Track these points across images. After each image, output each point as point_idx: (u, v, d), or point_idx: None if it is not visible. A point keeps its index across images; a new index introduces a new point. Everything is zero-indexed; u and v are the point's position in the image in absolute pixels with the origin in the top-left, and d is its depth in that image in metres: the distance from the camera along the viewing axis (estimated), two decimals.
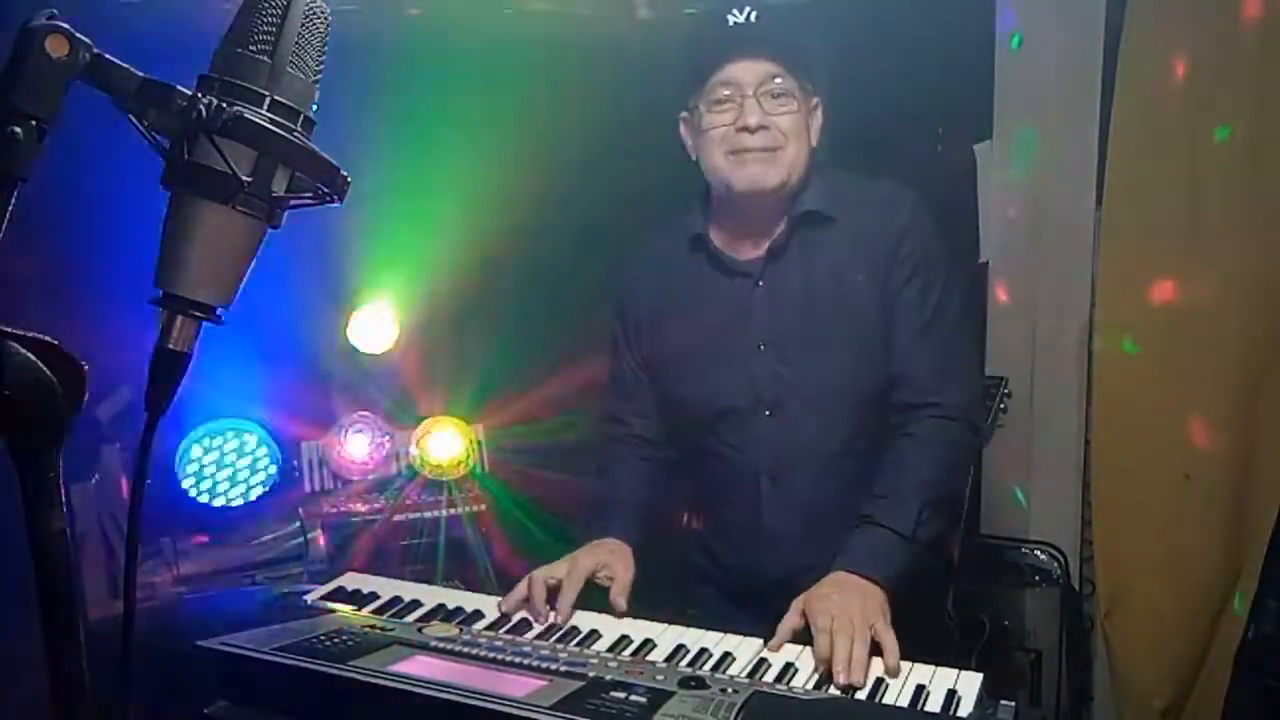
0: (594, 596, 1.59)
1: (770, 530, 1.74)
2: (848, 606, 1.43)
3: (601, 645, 1.44)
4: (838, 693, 1.31)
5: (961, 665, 1.36)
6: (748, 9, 1.66)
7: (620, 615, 1.54)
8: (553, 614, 1.53)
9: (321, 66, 0.84)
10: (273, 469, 2.63)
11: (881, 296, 1.70)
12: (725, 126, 1.68)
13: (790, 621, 1.46)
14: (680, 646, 1.43)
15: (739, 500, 1.78)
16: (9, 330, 0.67)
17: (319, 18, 0.83)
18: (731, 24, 1.67)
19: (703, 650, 1.41)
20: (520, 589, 1.57)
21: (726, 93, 1.68)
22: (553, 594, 1.56)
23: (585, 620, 1.54)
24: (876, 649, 1.39)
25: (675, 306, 1.82)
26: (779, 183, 1.69)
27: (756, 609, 1.63)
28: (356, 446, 2.74)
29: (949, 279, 1.74)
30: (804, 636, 1.46)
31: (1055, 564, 2.67)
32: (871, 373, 1.71)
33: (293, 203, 0.83)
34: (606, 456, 1.89)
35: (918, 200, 1.75)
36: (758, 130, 1.66)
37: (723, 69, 1.68)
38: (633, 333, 1.87)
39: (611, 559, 1.63)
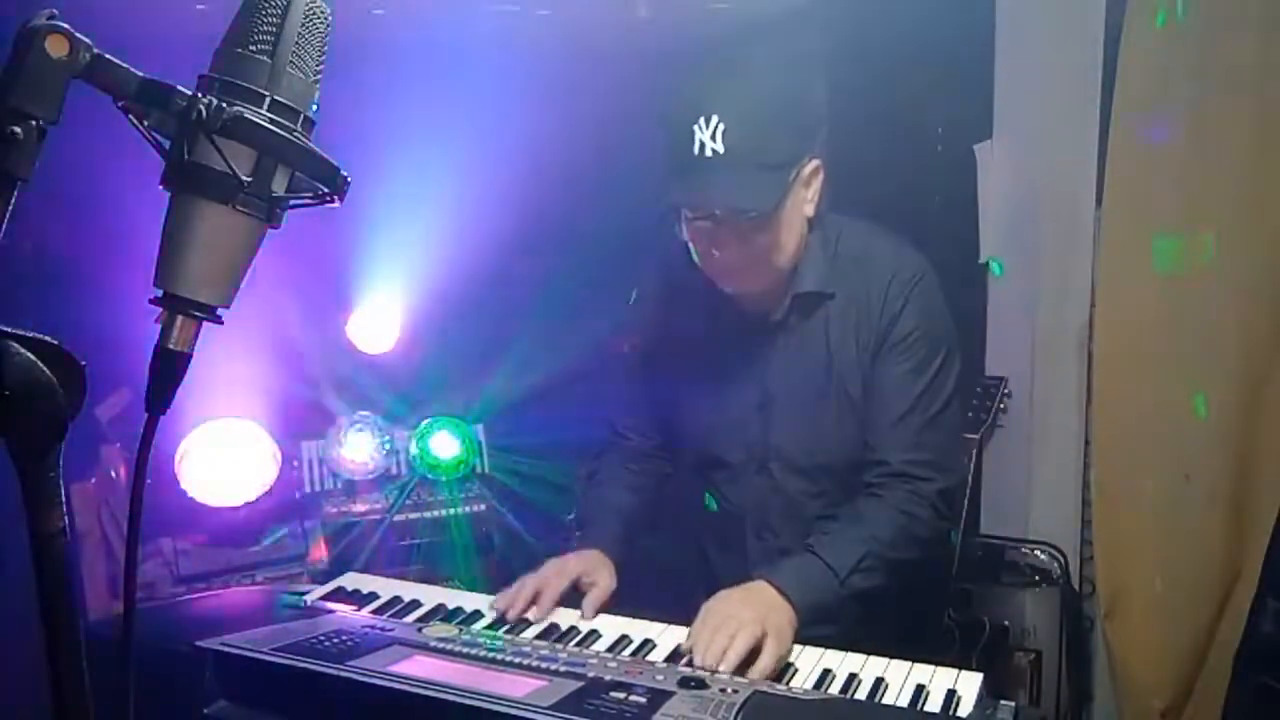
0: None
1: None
2: (743, 610, 1.42)
3: (601, 645, 1.45)
4: (837, 693, 1.31)
5: (961, 665, 1.36)
6: (716, 123, 1.47)
7: (586, 619, 1.57)
8: (533, 610, 1.56)
9: (321, 66, 0.84)
10: (273, 469, 2.63)
11: (869, 371, 1.66)
12: (700, 245, 1.60)
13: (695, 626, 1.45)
14: (680, 646, 1.43)
15: (725, 544, 1.83)
16: (9, 330, 0.67)
17: (319, 18, 0.83)
18: (696, 149, 1.48)
19: None
20: (511, 589, 1.60)
21: (695, 216, 1.57)
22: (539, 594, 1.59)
23: (585, 620, 1.55)
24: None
25: (689, 347, 1.79)
26: (766, 285, 1.65)
27: None
28: (356, 446, 2.74)
29: (946, 359, 1.68)
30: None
31: (1055, 564, 2.67)
32: (857, 446, 1.69)
33: (293, 203, 0.83)
34: (597, 463, 1.92)
35: (926, 269, 1.68)
36: (731, 257, 1.58)
37: (688, 199, 1.56)
38: (643, 355, 1.87)
39: (598, 570, 1.66)
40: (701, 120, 1.48)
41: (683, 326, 1.80)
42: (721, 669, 1.32)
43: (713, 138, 1.48)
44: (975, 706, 1.25)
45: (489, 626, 1.52)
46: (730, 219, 1.54)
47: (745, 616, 1.40)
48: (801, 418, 1.71)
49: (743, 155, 1.48)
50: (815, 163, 1.62)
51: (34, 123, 0.69)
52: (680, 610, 1.68)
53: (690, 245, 1.63)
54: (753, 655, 1.37)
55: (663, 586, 1.90)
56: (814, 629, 1.49)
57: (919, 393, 1.65)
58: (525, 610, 1.56)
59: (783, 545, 1.73)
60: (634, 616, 1.56)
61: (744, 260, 1.59)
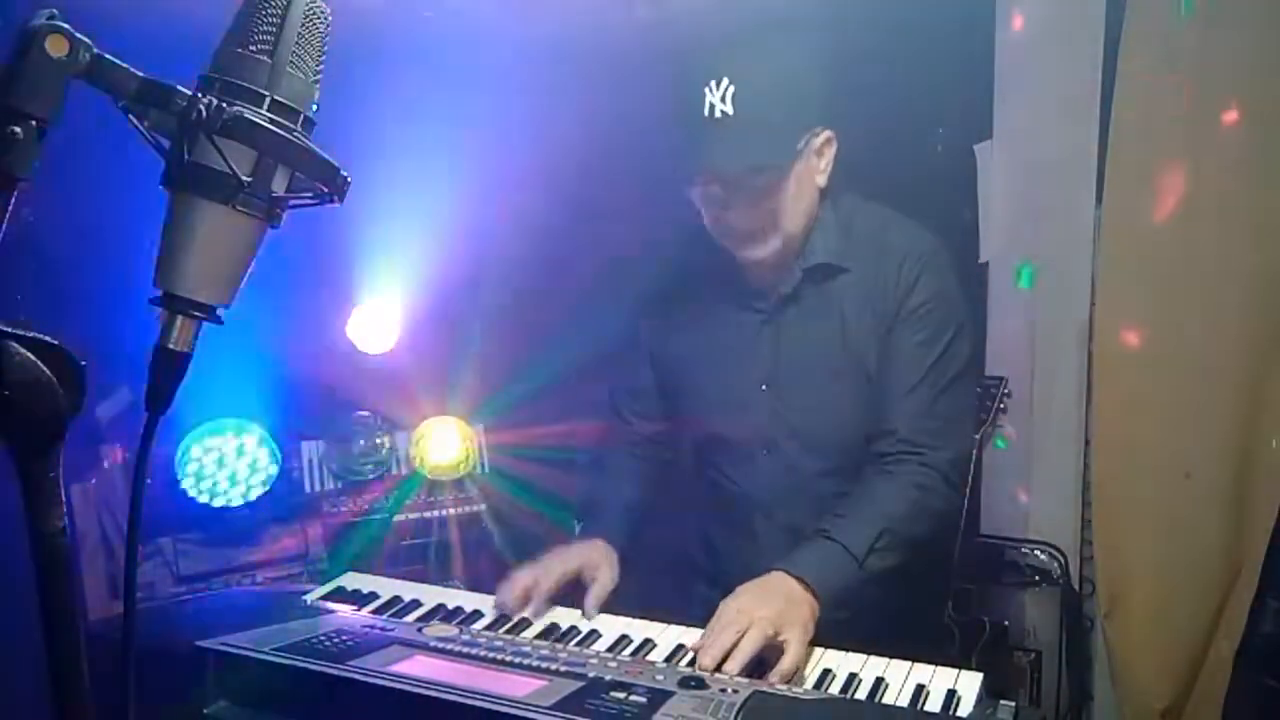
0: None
1: (762, 563, 1.70)
2: (759, 607, 1.40)
3: (601, 645, 1.45)
4: (837, 693, 1.31)
5: (961, 665, 1.36)
6: (725, 85, 1.52)
7: (589, 618, 1.56)
8: (529, 607, 1.55)
9: (321, 66, 0.84)
10: (273, 469, 2.63)
11: (883, 344, 1.67)
12: (711, 209, 1.64)
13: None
14: (680, 646, 1.43)
15: (734, 529, 1.81)
16: (9, 330, 0.67)
17: (319, 18, 0.83)
18: (707, 111, 1.53)
19: None
20: (511, 581, 1.59)
21: (706, 179, 1.61)
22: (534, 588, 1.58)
23: (585, 620, 1.55)
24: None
25: (690, 331, 1.81)
26: (776, 251, 1.66)
27: None
28: (358, 447, 2.74)
29: (957, 333, 1.69)
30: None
31: (1055, 564, 2.67)
32: (870, 419, 1.69)
33: (293, 203, 0.83)
34: (604, 451, 1.91)
35: (939, 247, 1.70)
36: (742, 219, 1.61)
37: (699, 162, 1.59)
38: (647, 340, 1.87)
39: (600, 564, 1.65)
40: (712, 83, 1.52)
41: (687, 307, 1.81)
42: (727, 669, 1.30)
43: (723, 99, 1.52)
44: (975, 706, 1.26)
45: (489, 626, 1.52)
46: (740, 181, 1.57)
47: (759, 614, 1.38)
48: (814, 394, 1.71)
49: (751, 116, 1.52)
50: (827, 133, 1.65)
51: (34, 123, 0.69)
52: (685, 599, 1.67)
53: (702, 210, 1.65)
54: (771, 653, 1.36)
55: (666, 574, 1.89)
56: (831, 614, 1.48)
57: (930, 364, 1.66)
58: (521, 606, 1.55)
59: (793, 524, 1.70)
60: (637, 605, 1.56)
61: (754, 223, 1.62)
